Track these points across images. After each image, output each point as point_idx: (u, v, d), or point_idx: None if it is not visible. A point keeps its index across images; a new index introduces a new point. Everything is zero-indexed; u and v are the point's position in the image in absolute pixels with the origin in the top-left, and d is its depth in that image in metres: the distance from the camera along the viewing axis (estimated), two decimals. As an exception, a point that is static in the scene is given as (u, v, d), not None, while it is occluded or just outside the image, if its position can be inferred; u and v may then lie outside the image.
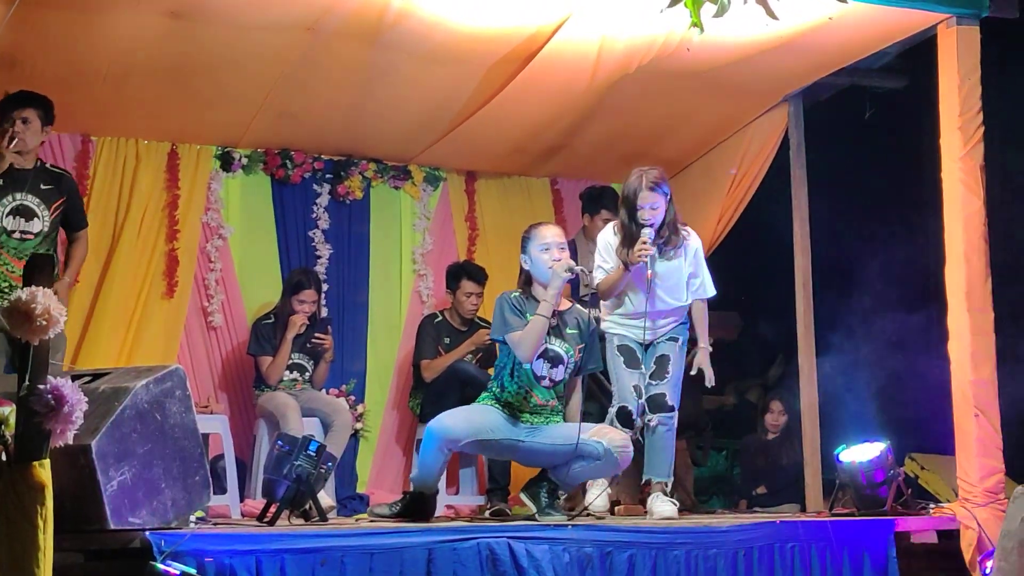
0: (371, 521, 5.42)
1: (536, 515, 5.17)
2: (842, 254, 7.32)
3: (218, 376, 7.14)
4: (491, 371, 5.52)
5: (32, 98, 5.69)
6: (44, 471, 3.62)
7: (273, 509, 5.16)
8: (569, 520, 5.14)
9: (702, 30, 4.67)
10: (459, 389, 6.34)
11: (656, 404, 5.67)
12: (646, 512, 5.73)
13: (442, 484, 6.68)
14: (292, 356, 6.80)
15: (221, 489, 6.22)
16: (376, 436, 7.41)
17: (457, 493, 7.00)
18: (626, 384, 5.68)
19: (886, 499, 5.62)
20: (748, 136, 7.28)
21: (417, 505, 5.30)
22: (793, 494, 7.06)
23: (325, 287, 7.25)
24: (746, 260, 7.89)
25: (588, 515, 5.51)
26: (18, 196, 5.68)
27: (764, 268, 7.62)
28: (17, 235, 5.68)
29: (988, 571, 5.16)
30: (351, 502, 6.95)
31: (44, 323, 3.59)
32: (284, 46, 5.99)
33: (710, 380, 5.82)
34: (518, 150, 7.41)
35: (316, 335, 6.81)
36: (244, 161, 7.27)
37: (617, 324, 5.75)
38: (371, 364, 7.50)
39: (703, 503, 7.69)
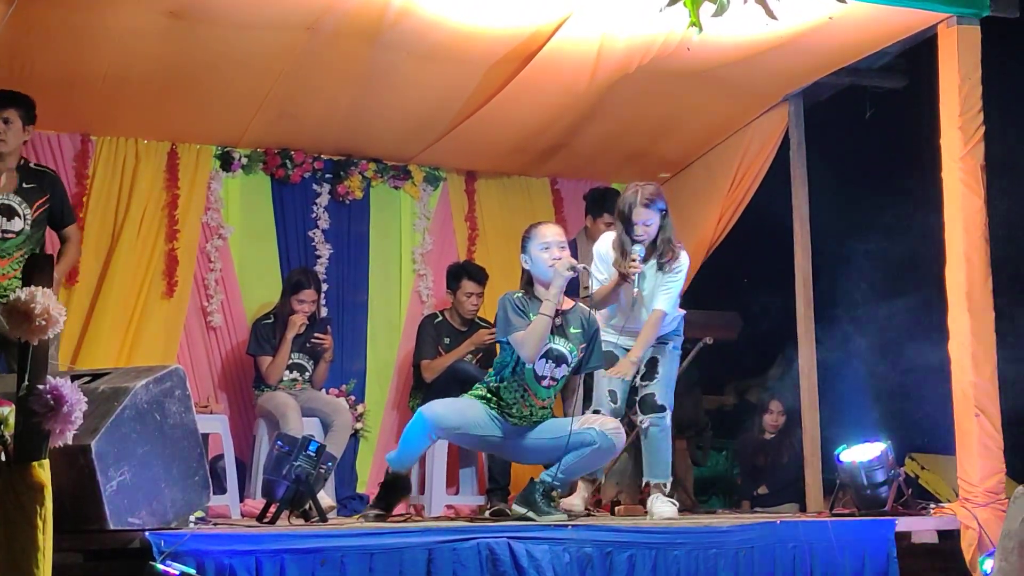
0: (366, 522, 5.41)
1: (535, 516, 5.14)
2: (842, 253, 7.31)
3: (218, 376, 7.14)
4: (491, 371, 5.51)
5: (13, 98, 5.65)
6: (43, 471, 3.61)
7: (273, 509, 5.16)
8: (568, 520, 5.14)
9: (700, 29, 4.65)
10: (459, 389, 6.31)
11: (647, 405, 5.69)
12: (646, 512, 5.73)
13: (442, 484, 6.70)
14: (292, 356, 6.80)
15: (221, 489, 6.21)
16: (376, 436, 7.41)
17: (457, 493, 7.00)
18: (603, 389, 5.71)
19: (886, 499, 5.62)
20: (748, 136, 7.28)
21: (390, 490, 5.33)
22: (792, 494, 7.06)
23: (325, 287, 7.25)
24: (746, 260, 7.89)
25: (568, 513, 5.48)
26: None
27: (764, 268, 7.62)
28: None
29: (989, 571, 5.15)
30: (351, 502, 6.95)
31: (43, 323, 3.59)
32: (284, 45, 5.99)
33: (617, 373, 5.66)
34: (518, 150, 7.41)
35: (316, 335, 6.81)
36: (244, 161, 7.27)
37: (606, 332, 5.75)
38: (371, 364, 7.50)
39: (703, 503, 7.69)
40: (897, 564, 5.29)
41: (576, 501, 5.76)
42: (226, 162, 7.24)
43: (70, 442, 3.71)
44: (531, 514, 5.15)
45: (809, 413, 6.69)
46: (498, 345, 5.47)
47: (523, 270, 5.45)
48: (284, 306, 6.82)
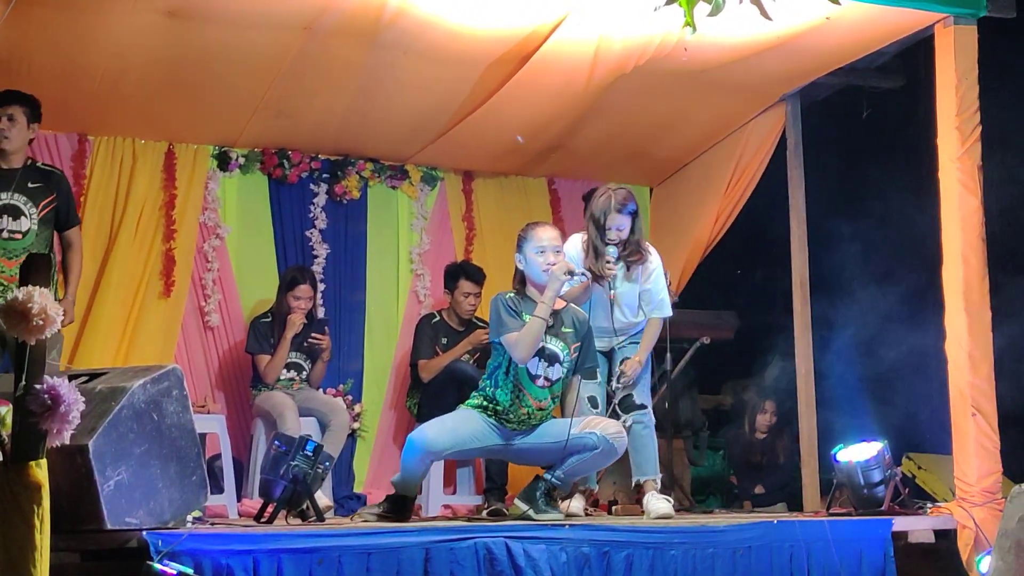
0: (364, 521, 5.40)
1: (532, 513, 5.15)
2: (838, 253, 7.31)
3: (215, 376, 7.14)
4: (484, 375, 5.51)
5: (18, 96, 5.66)
6: (41, 471, 3.61)
7: (270, 509, 5.16)
8: (565, 520, 5.14)
9: (694, 30, 4.66)
10: (456, 389, 6.33)
11: (626, 406, 5.75)
12: (643, 512, 5.73)
13: (439, 484, 6.70)
14: (289, 355, 6.79)
15: (218, 489, 6.22)
16: (373, 436, 7.41)
17: (454, 493, 7.00)
18: (583, 396, 5.71)
19: (883, 499, 5.62)
20: (745, 136, 7.29)
21: (398, 507, 5.30)
22: (785, 493, 7.06)
23: (322, 287, 7.25)
24: (743, 259, 7.89)
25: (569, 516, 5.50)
26: (4, 196, 5.64)
27: (761, 267, 7.62)
28: (5, 235, 5.62)
29: (985, 571, 5.15)
30: (348, 502, 6.95)
31: (41, 323, 3.59)
32: (281, 45, 5.99)
33: (624, 383, 5.76)
34: (515, 150, 7.40)
35: (313, 335, 6.80)
36: (241, 161, 7.27)
37: None
38: (368, 364, 7.50)
39: (700, 503, 7.68)
40: (894, 563, 5.29)
41: (576, 505, 5.77)
42: (223, 162, 7.23)
43: (67, 442, 3.71)
44: (530, 511, 5.16)
45: (806, 413, 6.70)
46: (492, 345, 5.46)
47: (516, 269, 5.44)
48: (281, 304, 6.82)
